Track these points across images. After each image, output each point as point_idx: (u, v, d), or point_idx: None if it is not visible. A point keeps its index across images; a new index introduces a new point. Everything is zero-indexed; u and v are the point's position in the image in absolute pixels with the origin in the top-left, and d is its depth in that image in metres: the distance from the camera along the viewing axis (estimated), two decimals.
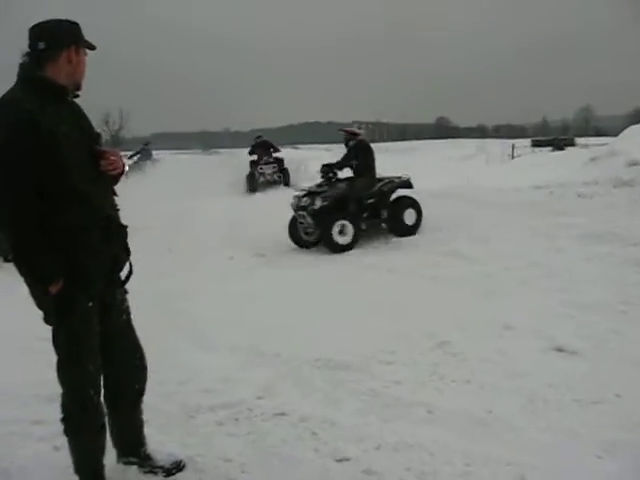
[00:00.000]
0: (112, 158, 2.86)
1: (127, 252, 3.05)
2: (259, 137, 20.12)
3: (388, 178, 11.13)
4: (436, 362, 4.63)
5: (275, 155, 19.34)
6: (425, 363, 4.62)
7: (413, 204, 11.02)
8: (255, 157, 19.22)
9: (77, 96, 2.93)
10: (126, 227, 3.03)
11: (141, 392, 3.24)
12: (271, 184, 18.54)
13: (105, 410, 3.06)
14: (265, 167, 18.75)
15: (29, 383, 4.50)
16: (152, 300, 6.67)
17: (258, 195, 17.43)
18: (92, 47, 2.93)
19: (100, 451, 3.07)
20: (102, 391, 3.03)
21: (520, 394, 4.03)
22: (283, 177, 18.79)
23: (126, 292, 3.14)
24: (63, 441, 3.54)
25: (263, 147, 19.54)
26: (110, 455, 3.26)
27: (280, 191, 17.44)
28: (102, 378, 3.02)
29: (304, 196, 10.02)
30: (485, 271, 7.40)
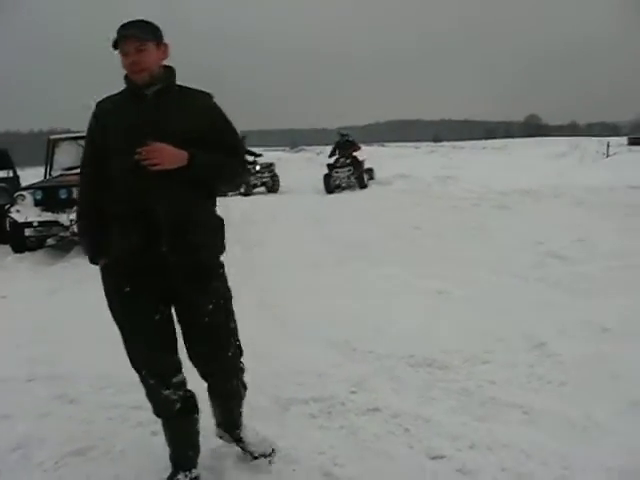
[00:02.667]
0: (145, 150, 2.74)
1: (187, 251, 2.87)
2: (344, 135, 19.97)
3: None
4: (532, 363, 4.54)
5: (355, 154, 19.15)
6: (521, 364, 4.53)
7: None
8: (334, 159, 19.16)
9: (158, 90, 2.89)
10: (188, 226, 2.86)
11: (220, 384, 3.20)
12: (348, 187, 18.60)
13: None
14: (340, 170, 18.71)
15: (126, 370, 4.65)
16: (248, 293, 6.81)
17: (343, 195, 17.52)
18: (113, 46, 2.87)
19: (178, 436, 3.16)
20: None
21: (619, 398, 3.89)
22: (358, 180, 18.70)
23: (210, 295, 2.95)
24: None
25: (345, 147, 19.44)
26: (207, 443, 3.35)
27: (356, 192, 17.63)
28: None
29: None
30: (582, 271, 7.23)
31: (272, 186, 19.60)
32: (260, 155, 20.73)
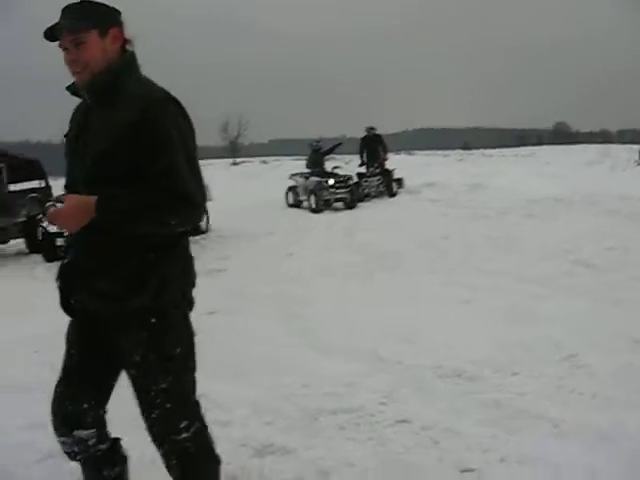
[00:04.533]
0: (48, 216, 2.38)
1: (98, 298, 2.40)
2: (372, 129, 19.79)
3: None
4: (562, 375, 4.50)
5: (384, 161, 19.17)
6: (551, 375, 4.49)
7: None
8: (364, 169, 19.19)
9: (89, 95, 2.38)
10: (96, 271, 2.38)
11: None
12: (377, 195, 18.52)
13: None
14: (370, 179, 18.66)
15: None
16: (276, 304, 6.84)
17: (372, 204, 17.50)
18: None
19: None
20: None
21: None
22: (387, 189, 18.68)
23: (136, 346, 2.43)
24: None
25: (373, 142, 19.54)
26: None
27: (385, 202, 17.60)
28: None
29: None
30: (612, 280, 7.17)
31: (350, 201, 17.21)
32: (340, 144, 19.86)
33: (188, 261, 2.54)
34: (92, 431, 2.56)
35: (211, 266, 9.14)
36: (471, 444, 3.55)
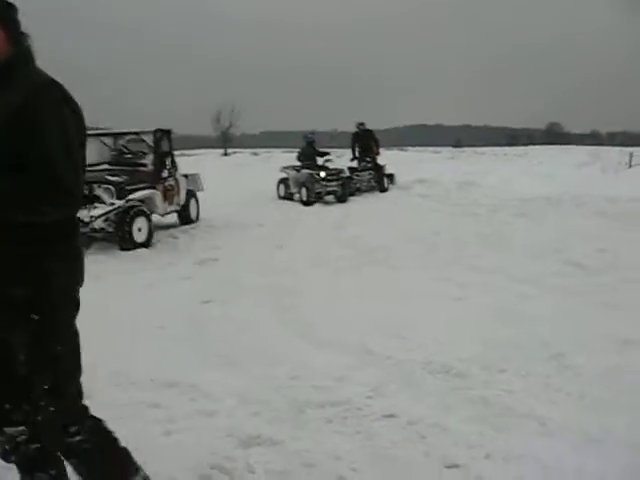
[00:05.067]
0: None
1: None
2: (362, 125, 19.91)
3: None
4: (550, 374, 4.51)
5: (376, 156, 19.22)
6: (539, 374, 4.50)
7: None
8: (355, 163, 19.24)
9: None
10: None
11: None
12: (368, 190, 18.58)
13: None
14: (361, 174, 18.72)
15: (143, 367, 4.66)
16: (265, 295, 6.83)
17: (363, 198, 17.50)
18: None
19: None
20: None
21: (639, 412, 3.85)
22: (379, 184, 18.79)
23: (27, 345, 2.38)
24: (177, 427, 3.66)
25: (365, 137, 19.59)
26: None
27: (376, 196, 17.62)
28: None
29: None
30: (602, 282, 7.18)
31: (341, 195, 17.26)
32: (328, 154, 19.08)
33: (76, 259, 2.50)
34: (21, 428, 2.49)
35: (203, 255, 9.07)
36: (457, 440, 3.57)
